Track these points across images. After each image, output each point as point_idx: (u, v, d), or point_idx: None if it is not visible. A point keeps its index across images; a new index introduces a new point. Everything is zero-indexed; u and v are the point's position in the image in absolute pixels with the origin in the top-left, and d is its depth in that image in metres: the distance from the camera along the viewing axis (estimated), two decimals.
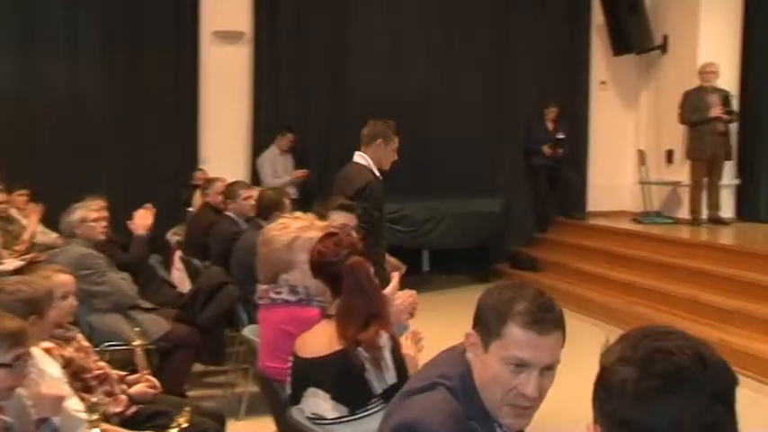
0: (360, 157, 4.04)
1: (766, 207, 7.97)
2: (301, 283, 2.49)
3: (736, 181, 8.20)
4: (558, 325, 1.53)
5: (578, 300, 6.73)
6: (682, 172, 8.17)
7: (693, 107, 7.65)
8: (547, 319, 1.50)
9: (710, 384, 1.05)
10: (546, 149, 8.34)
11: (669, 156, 8.56)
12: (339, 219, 3.29)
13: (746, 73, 8.11)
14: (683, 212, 8.04)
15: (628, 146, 9.07)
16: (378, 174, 4.01)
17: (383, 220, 3.93)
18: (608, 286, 6.79)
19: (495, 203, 7.98)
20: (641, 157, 8.56)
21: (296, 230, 2.57)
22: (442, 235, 7.52)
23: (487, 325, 1.52)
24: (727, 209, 8.02)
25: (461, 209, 7.72)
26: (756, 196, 8.01)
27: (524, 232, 8.59)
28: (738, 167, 8.17)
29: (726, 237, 7.19)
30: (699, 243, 6.78)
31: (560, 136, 8.36)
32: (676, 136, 8.22)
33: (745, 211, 8.11)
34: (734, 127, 7.90)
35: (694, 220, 7.71)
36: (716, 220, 7.71)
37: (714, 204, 7.80)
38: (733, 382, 1.08)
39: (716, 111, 7.51)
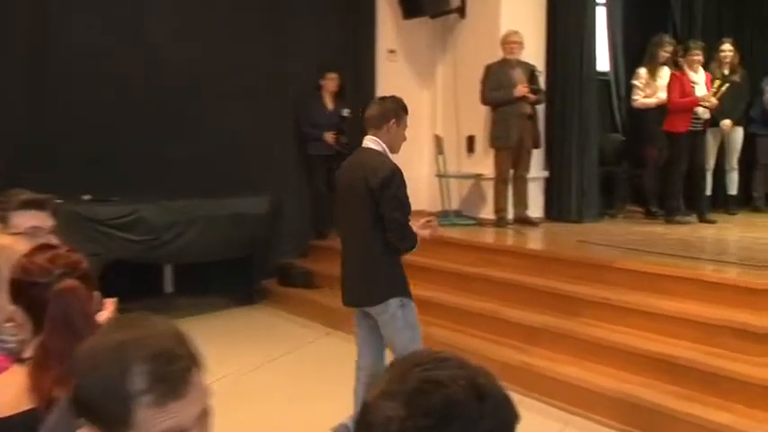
0: (373, 143, 4.29)
1: (577, 204, 8.74)
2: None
3: (545, 173, 8.96)
4: (195, 369, 1.43)
5: None
6: (485, 163, 8.74)
7: (496, 84, 8.18)
8: (178, 376, 1.39)
9: (487, 421, 1.13)
10: (328, 137, 8.55)
11: (470, 143, 9.14)
12: (27, 221, 3.10)
13: (552, 45, 8.88)
14: (488, 211, 8.61)
15: (422, 130, 9.51)
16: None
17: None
18: None
19: (260, 203, 8.02)
20: (438, 145, 9.05)
21: None
22: (190, 245, 7.43)
23: (106, 416, 1.38)
24: (534, 207, 8.71)
25: (216, 210, 7.68)
26: (567, 192, 8.77)
27: (298, 239, 8.77)
28: (546, 157, 8.93)
29: (533, 241, 7.81)
30: (503, 249, 7.28)
31: (345, 113, 8.58)
32: (478, 119, 8.79)
33: (555, 209, 8.90)
34: (541, 110, 8.62)
35: (499, 221, 8.29)
36: (523, 221, 8.34)
37: (521, 201, 8.43)
38: (514, 417, 1.17)
39: (521, 89, 8.12)
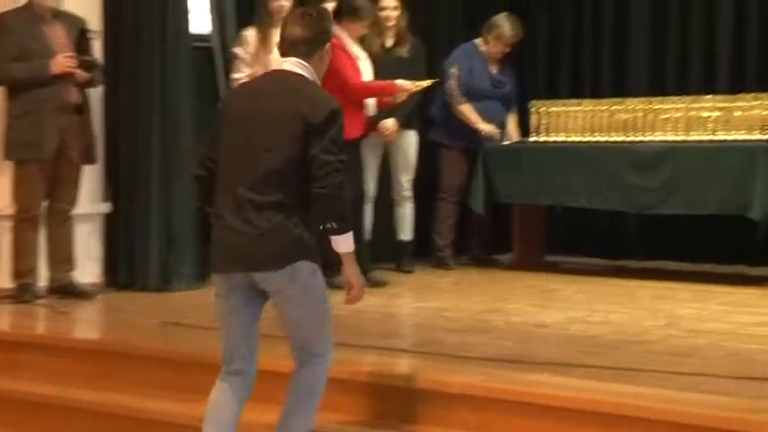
0: (301, 67, 5.01)
1: (160, 260, 8.78)
2: None
3: (105, 207, 8.96)
4: None
5: None
6: None
7: (18, 49, 8.11)
8: None
9: None
10: None
11: None
12: None
13: None
14: (2, 275, 8.45)
15: None
16: None
17: None
18: None
19: None
20: None
21: None
22: None
23: None
24: (87, 265, 8.76)
25: None
26: (143, 238, 8.74)
27: None
28: (108, 179, 8.97)
29: (86, 325, 7.94)
30: (31, 342, 7.20)
31: None
32: None
33: (122, 268, 8.91)
34: (97, 97, 8.64)
35: (23, 291, 8.16)
36: (67, 290, 8.33)
37: (63, 257, 8.41)
38: None
39: (62, 60, 8.01)
